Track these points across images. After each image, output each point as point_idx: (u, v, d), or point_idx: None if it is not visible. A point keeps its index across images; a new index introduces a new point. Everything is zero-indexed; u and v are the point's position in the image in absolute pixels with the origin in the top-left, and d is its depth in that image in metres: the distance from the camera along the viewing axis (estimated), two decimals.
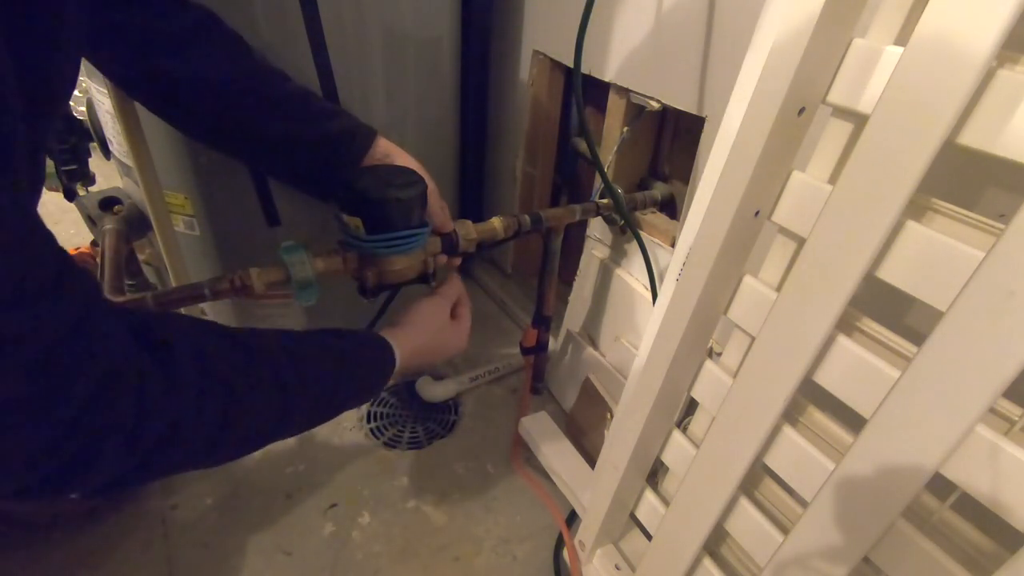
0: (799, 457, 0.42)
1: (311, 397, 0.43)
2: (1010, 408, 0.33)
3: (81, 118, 0.76)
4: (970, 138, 0.29)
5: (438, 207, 0.60)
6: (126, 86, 0.57)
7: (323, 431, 0.87)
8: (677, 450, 0.55)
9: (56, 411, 0.28)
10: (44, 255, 0.28)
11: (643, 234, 0.73)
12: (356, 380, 0.48)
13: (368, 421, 0.89)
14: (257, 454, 0.82)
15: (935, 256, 0.31)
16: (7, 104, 0.26)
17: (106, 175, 0.84)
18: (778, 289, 0.41)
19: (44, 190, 0.76)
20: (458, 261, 0.66)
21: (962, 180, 0.42)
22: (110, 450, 0.31)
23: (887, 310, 0.42)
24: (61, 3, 0.31)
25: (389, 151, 0.59)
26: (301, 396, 0.42)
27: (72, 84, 0.37)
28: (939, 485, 0.33)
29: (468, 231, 0.63)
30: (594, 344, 0.87)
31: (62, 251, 0.30)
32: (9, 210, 0.26)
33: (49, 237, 0.29)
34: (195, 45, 0.52)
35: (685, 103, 0.66)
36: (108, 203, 0.76)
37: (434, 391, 0.92)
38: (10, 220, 0.27)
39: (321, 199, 0.62)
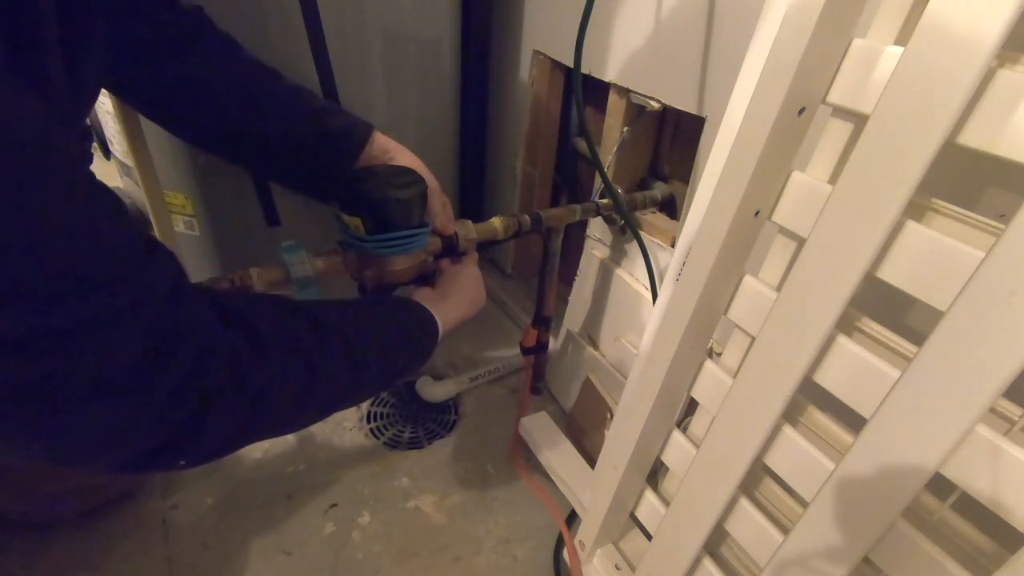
0: (799, 457, 0.41)
1: (375, 363, 0.46)
2: (1010, 408, 0.33)
3: None
4: (970, 138, 0.29)
5: (440, 206, 0.60)
6: (119, 92, 0.57)
7: (323, 431, 0.87)
8: (677, 450, 0.55)
9: (167, 376, 0.30)
10: (135, 228, 0.30)
11: (643, 234, 0.73)
12: (410, 346, 0.51)
13: (368, 421, 0.89)
14: (257, 454, 0.82)
15: (935, 256, 0.31)
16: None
17: (106, 175, 0.84)
18: (778, 289, 0.41)
19: None
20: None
21: (962, 180, 0.42)
22: (215, 414, 0.33)
23: (887, 310, 0.42)
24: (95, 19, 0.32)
25: (387, 147, 0.59)
26: (367, 362, 0.45)
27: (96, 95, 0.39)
28: (939, 485, 0.33)
29: (468, 231, 0.63)
30: (594, 344, 0.87)
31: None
32: (101, 184, 0.28)
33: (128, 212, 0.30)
34: (185, 51, 0.52)
35: (685, 103, 0.66)
36: None
37: (434, 391, 0.92)
38: (106, 192, 0.28)
39: (320, 199, 0.62)
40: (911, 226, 0.32)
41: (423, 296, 0.56)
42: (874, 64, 0.33)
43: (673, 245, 0.71)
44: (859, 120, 0.35)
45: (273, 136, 0.56)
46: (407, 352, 0.50)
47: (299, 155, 0.57)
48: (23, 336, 0.24)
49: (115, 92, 0.57)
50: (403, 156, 0.59)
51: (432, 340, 0.53)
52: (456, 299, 0.58)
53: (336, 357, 0.42)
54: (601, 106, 0.79)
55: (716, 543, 0.56)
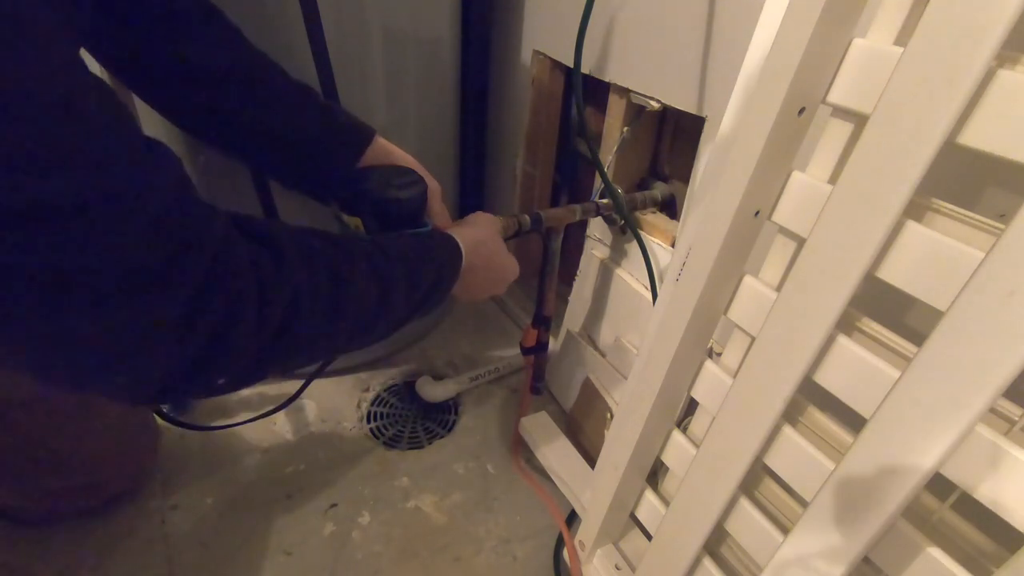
0: (799, 457, 0.41)
1: (402, 279, 0.45)
2: (1010, 408, 0.33)
3: None
4: (970, 138, 0.29)
5: (440, 208, 0.60)
6: (117, 68, 0.55)
7: (323, 431, 0.87)
8: (677, 450, 0.55)
9: (185, 280, 0.29)
10: (127, 120, 0.29)
11: (643, 234, 0.73)
12: (434, 269, 0.50)
13: (368, 421, 0.89)
14: (257, 455, 0.82)
15: (935, 256, 0.31)
16: None
17: None
18: (778, 289, 0.41)
19: None
20: None
21: (962, 180, 0.42)
22: (247, 320, 0.32)
23: (887, 310, 0.42)
24: None
25: (388, 151, 0.59)
26: (395, 282, 0.44)
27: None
28: (939, 485, 0.33)
29: None
30: (594, 344, 0.87)
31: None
32: (94, 79, 0.27)
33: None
34: (192, 28, 0.51)
35: (685, 103, 0.66)
36: None
37: (434, 391, 0.92)
38: (101, 85, 0.27)
39: (317, 198, 0.62)
40: (911, 226, 0.32)
41: (453, 226, 0.56)
42: (874, 64, 0.33)
43: (673, 245, 0.71)
44: (859, 120, 0.35)
45: (279, 128, 0.55)
46: (432, 271, 0.49)
47: (303, 150, 0.57)
48: (23, 209, 0.23)
49: (111, 68, 0.55)
50: (403, 161, 0.59)
51: (456, 265, 0.52)
52: (486, 260, 0.57)
53: (362, 271, 0.41)
54: (601, 106, 0.79)
55: (716, 543, 0.56)
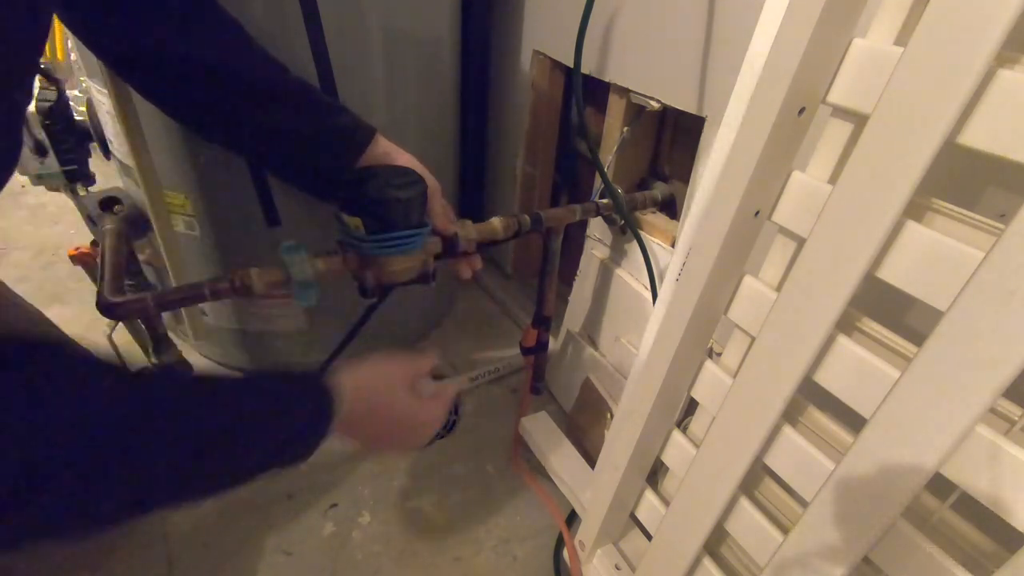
0: (799, 457, 0.42)
1: (228, 447, 0.36)
2: (1010, 408, 0.33)
3: (81, 118, 0.76)
4: (970, 138, 0.29)
5: (440, 208, 0.60)
6: (117, 62, 0.55)
7: None
8: (677, 450, 0.55)
9: None
10: None
11: (643, 234, 0.73)
12: (286, 424, 0.39)
13: None
14: None
15: (935, 256, 0.31)
16: None
17: (106, 175, 0.84)
18: (778, 289, 0.41)
19: (44, 190, 0.76)
20: (467, 270, 0.64)
21: (962, 180, 0.42)
22: None
23: (887, 310, 0.42)
24: None
25: (388, 150, 0.59)
26: (215, 447, 0.35)
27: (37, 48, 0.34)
28: (939, 485, 0.33)
29: (468, 231, 0.63)
30: (594, 344, 0.87)
31: None
32: None
33: None
34: (195, 22, 0.50)
35: (685, 103, 0.66)
36: (108, 203, 0.76)
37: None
38: None
39: (316, 196, 0.62)
40: (911, 226, 0.32)
41: (344, 368, 0.44)
42: (874, 64, 0.33)
43: (673, 245, 0.71)
44: (859, 120, 0.35)
45: (279, 126, 0.55)
46: (282, 426, 0.39)
47: (303, 148, 0.57)
48: None
49: (111, 62, 0.56)
50: (404, 161, 0.59)
51: (324, 415, 0.41)
52: (376, 410, 0.45)
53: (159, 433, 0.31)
54: (601, 106, 0.79)
55: (716, 543, 0.56)
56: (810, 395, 0.42)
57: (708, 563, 0.53)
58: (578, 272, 0.87)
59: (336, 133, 0.57)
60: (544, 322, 0.83)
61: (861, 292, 0.34)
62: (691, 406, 0.54)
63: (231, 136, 0.59)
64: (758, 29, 0.36)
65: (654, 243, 0.73)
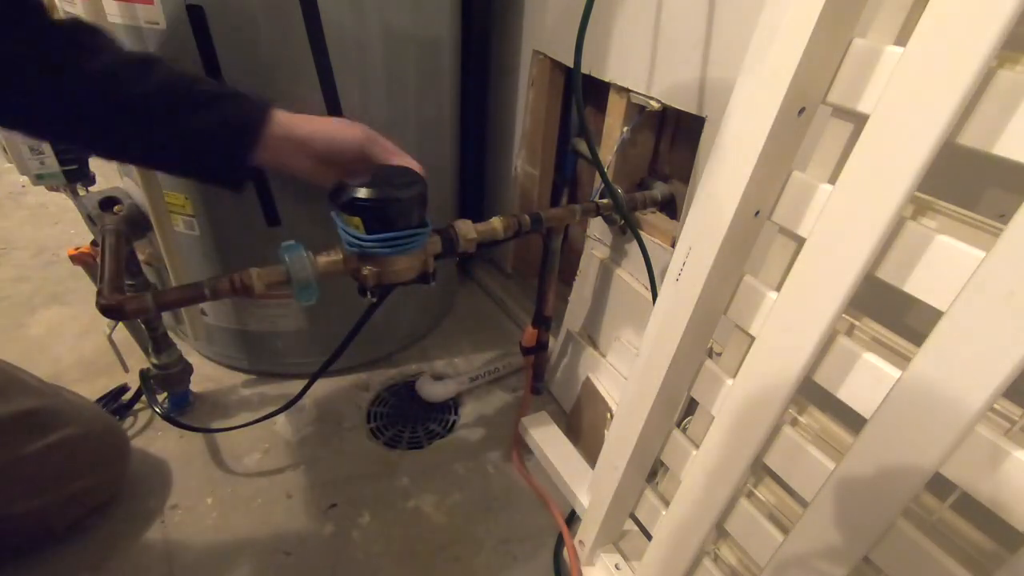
0: (799, 457, 0.42)
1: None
2: (1010, 408, 0.33)
3: None
4: (970, 138, 0.29)
5: (380, 149, 0.55)
6: None
7: (323, 431, 0.87)
8: (677, 450, 0.55)
9: None
10: None
11: (643, 234, 0.73)
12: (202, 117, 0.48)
13: (368, 421, 0.89)
14: (257, 454, 0.82)
15: (935, 256, 0.31)
16: None
17: (106, 175, 0.84)
18: (778, 289, 0.41)
19: (44, 190, 0.76)
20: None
21: (962, 180, 0.42)
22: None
23: (887, 310, 0.42)
24: None
25: (292, 126, 0.52)
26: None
27: None
28: (939, 485, 0.33)
29: (468, 231, 0.63)
30: (594, 344, 0.87)
31: None
32: None
33: None
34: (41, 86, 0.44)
35: (685, 103, 0.66)
36: (108, 203, 0.76)
37: (434, 391, 0.92)
38: None
39: (229, 188, 0.54)
40: (911, 226, 0.32)
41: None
42: (874, 64, 0.33)
43: (673, 245, 0.71)
44: (859, 120, 0.35)
45: (152, 137, 0.49)
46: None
47: (188, 154, 0.51)
48: None
49: None
50: (317, 125, 0.53)
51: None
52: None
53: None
54: (601, 106, 0.79)
55: (716, 543, 0.56)
56: (810, 395, 0.42)
57: (708, 563, 0.53)
58: (578, 272, 0.87)
59: (219, 128, 0.49)
60: (544, 322, 0.83)
61: (861, 292, 0.34)
62: (691, 406, 0.54)
63: (99, 152, 0.52)
64: (758, 29, 0.36)
65: (654, 243, 0.73)
